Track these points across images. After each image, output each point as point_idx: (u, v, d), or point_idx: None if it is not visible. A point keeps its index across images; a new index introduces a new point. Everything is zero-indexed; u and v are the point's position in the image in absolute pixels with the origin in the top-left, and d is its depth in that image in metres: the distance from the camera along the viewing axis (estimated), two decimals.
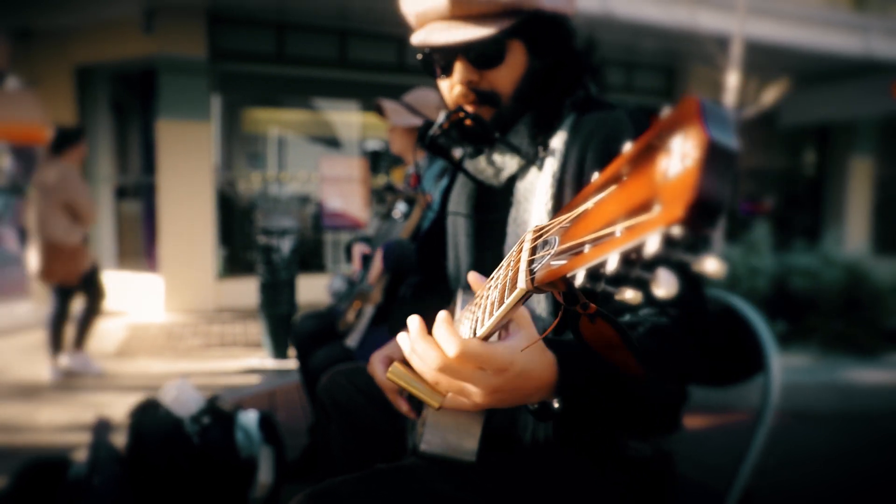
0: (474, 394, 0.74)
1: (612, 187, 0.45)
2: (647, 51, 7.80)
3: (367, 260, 2.70)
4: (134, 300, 6.69)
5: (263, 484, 2.16)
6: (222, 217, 6.84)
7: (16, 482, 1.97)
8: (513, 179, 1.13)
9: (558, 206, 1.03)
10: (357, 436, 1.44)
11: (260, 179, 7.84)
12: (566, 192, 1.03)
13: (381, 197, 6.65)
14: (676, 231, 0.36)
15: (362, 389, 1.41)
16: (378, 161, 7.49)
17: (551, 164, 1.05)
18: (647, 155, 0.40)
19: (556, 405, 0.80)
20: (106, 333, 5.63)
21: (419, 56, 1.12)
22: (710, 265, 0.38)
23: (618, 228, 0.41)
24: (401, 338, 0.78)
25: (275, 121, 8.12)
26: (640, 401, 0.89)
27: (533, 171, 1.09)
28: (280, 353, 4.58)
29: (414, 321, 0.77)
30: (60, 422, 3.39)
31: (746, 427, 1.26)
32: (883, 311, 4.26)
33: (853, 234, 9.51)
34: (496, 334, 0.77)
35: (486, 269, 1.18)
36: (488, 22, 1.02)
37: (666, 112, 0.40)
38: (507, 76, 1.08)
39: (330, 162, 7.05)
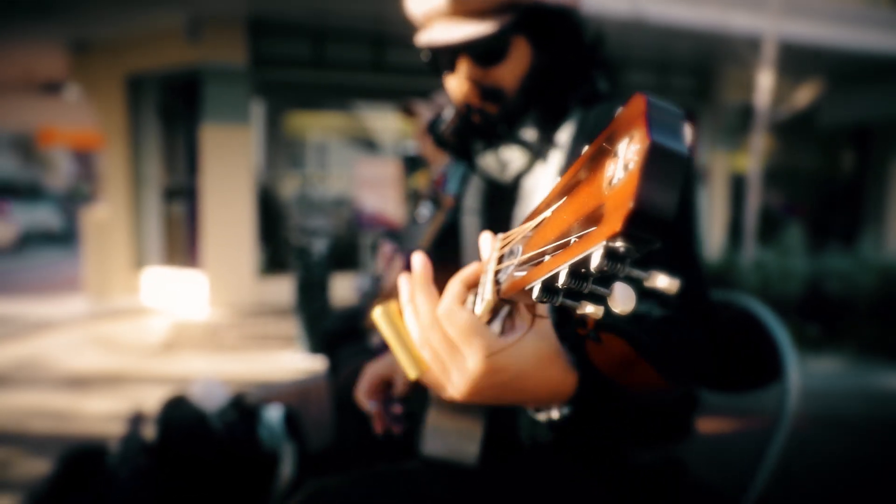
0: (454, 379, 0.62)
1: (567, 197, 0.42)
2: (679, 52, 7.66)
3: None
4: (178, 296, 7.00)
5: (285, 478, 2.27)
6: (263, 217, 7.06)
7: (60, 467, 2.13)
8: (521, 176, 1.12)
9: None
10: (370, 434, 1.52)
11: (299, 181, 8.05)
12: None
13: (415, 198, 6.74)
14: (619, 245, 0.33)
15: None
16: (414, 164, 7.60)
17: (557, 160, 1.04)
18: (598, 159, 0.38)
19: (555, 415, 0.69)
20: (151, 328, 5.90)
21: (423, 56, 1.12)
22: (662, 281, 0.35)
23: (573, 238, 0.38)
24: (402, 280, 0.66)
25: (314, 125, 8.32)
26: (652, 410, 0.85)
27: (540, 167, 1.07)
28: (315, 350, 4.72)
29: (419, 262, 0.65)
30: (107, 411, 3.58)
31: (769, 431, 1.24)
32: None
33: (894, 237, 9.18)
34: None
35: None
36: (488, 18, 1.01)
37: (619, 111, 0.37)
38: (511, 72, 1.06)
39: (366, 164, 7.20)
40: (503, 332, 0.61)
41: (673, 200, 0.32)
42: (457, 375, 0.61)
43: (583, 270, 0.37)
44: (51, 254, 13.85)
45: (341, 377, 1.66)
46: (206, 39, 6.39)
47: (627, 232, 0.32)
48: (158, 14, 6.32)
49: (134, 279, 7.39)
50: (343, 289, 5.58)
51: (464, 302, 0.61)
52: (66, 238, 16.98)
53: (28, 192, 18.67)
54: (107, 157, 7.53)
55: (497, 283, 0.54)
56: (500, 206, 1.18)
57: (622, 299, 0.37)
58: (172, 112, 7.55)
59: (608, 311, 0.39)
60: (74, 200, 19.70)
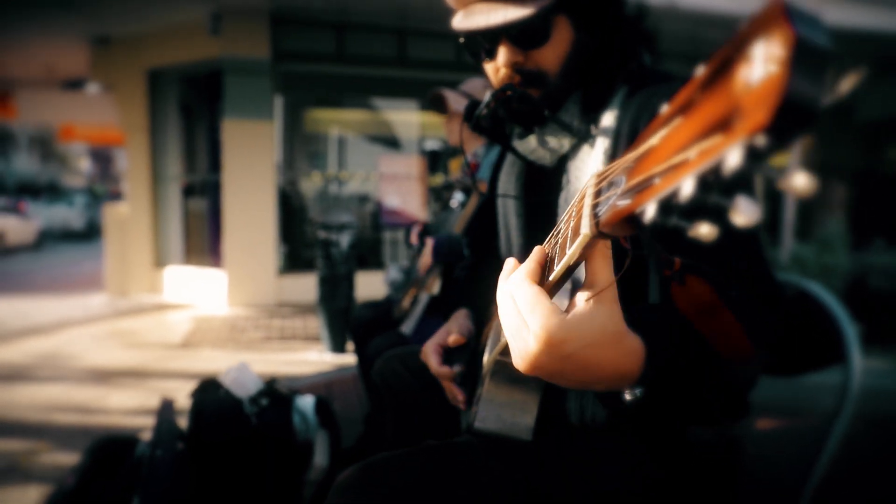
0: (517, 349, 0.63)
1: (680, 117, 0.41)
2: (712, 42, 7.45)
3: (422, 236, 2.71)
4: (199, 294, 6.95)
5: (318, 467, 2.18)
6: (283, 214, 7.00)
7: (89, 457, 2.06)
8: (564, 159, 1.08)
9: None
10: (409, 417, 1.44)
11: (320, 178, 7.99)
12: None
13: (438, 195, 6.66)
14: (761, 141, 0.32)
15: (415, 372, 1.40)
16: (436, 160, 7.52)
17: (603, 142, 1.00)
18: (722, 71, 0.37)
19: (628, 397, 0.67)
20: (172, 325, 5.85)
21: (461, 40, 1.09)
22: (800, 180, 0.34)
23: (691, 153, 0.37)
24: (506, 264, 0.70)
25: (335, 120, 8.26)
26: (722, 382, 0.78)
27: (584, 149, 1.04)
28: (338, 346, 4.65)
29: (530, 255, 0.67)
30: (130, 405, 3.53)
31: (810, 430, 1.19)
32: None
33: None
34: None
35: None
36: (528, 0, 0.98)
37: (744, 23, 0.37)
38: (553, 54, 1.03)
39: (388, 160, 7.12)
40: (567, 310, 0.62)
41: (820, 93, 0.32)
42: (520, 345, 0.62)
43: (709, 179, 0.36)
44: (71, 251, 13.96)
45: (378, 363, 1.57)
46: (228, 33, 6.35)
47: (775, 123, 0.31)
48: (180, 8, 6.30)
49: (155, 276, 7.36)
50: (366, 287, 5.49)
51: (536, 279, 0.64)
52: (86, 235, 17.26)
53: (47, 191, 18.95)
54: (128, 154, 7.52)
55: (595, 216, 0.53)
56: (539, 188, 1.16)
57: (746, 209, 0.36)
58: (194, 107, 7.52)
59: (726, 224, 0.38)
60: (94, 198, 19.99)
